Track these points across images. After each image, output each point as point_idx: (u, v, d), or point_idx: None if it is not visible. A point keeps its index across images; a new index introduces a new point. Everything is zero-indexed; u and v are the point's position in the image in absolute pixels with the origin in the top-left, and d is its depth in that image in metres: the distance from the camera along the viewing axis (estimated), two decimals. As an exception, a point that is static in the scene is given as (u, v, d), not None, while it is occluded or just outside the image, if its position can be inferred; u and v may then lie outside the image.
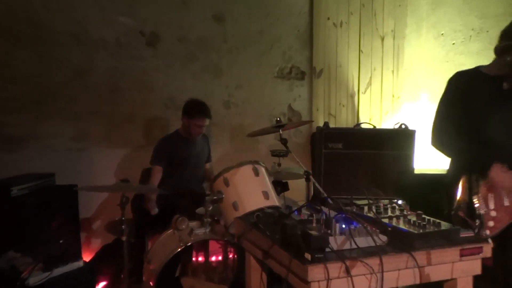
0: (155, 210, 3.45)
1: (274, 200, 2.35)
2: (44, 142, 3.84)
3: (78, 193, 3.63)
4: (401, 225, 1.78)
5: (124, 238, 2.57)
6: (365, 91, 4.77)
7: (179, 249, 2.57)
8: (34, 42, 3.77)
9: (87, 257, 3.82)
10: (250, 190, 2.32)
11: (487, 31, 4.07)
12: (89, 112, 3.98)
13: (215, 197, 2.34)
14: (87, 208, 3.95)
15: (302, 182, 3.01)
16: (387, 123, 4.80)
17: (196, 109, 3.61)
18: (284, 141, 2.95)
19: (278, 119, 3.03)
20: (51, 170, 3.69)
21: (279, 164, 3.26)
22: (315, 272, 1.53)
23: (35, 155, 3.80)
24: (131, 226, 2.65)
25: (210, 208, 2.47)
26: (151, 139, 4.04)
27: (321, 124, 4.35)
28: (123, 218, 2.57)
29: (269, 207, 2.27)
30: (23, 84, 3.77)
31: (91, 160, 3.98)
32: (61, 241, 3.42)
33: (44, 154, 3.82)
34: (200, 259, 3.38)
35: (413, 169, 4.01)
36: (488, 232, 1.67)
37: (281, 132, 3.01)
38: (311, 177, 2.87)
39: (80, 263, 3.01)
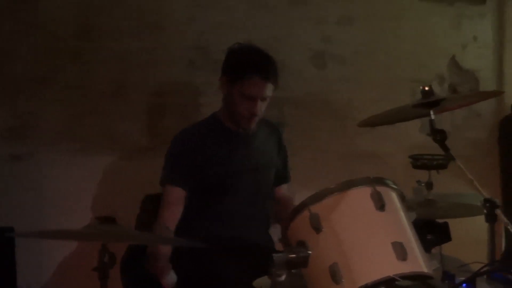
0: (169, 279, 3.52)
1: (419, 262, 2.38)
2: None
3: (15, 243, 3.77)
4: None
5: None
6: None
7: None
8: None
9: None
10: (366, 242, 2.36)
11: None
12: (31, 79, 4.14)
13: (292, 255, 2.37)
14: (32, 275, 4.10)
15: (479, 222, 3.01)
16: None
17: (246, 63, 3.66)
18: (439, 137, 2.97)
19: (427, 88, 3.04)
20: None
21: (430, 185, 3.27)
22: None
23: None
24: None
25: (282, 277, 2.46)
26: (160, 134, 4.18)
27: (523, 99, 4.31)
28: (105, 298, 2.65)
29: (406, 277, 2.30)
30: None
31: (39, 178, 4.15)
32: None
33: None
34: None
35: None
36: None
37: (432, 118, 3.04)
38: (498, 211, 2.85)
39: None
